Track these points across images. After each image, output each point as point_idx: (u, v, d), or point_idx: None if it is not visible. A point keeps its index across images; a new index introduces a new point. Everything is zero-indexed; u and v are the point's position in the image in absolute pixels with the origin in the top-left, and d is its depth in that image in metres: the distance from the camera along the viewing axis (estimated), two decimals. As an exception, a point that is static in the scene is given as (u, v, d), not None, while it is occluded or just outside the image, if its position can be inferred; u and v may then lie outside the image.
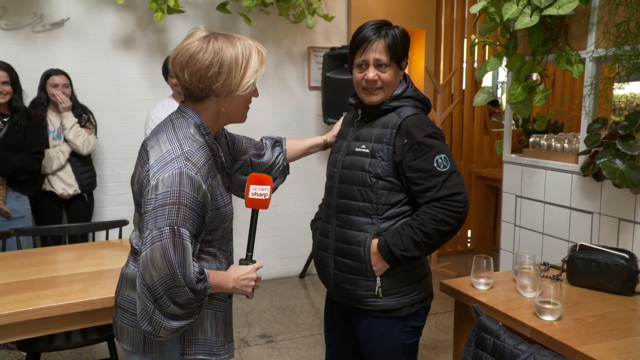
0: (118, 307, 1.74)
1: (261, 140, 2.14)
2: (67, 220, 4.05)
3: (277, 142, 2.17)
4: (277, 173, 2.14)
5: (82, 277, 2.43)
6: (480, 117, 5.98)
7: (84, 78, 4.21)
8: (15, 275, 2.42)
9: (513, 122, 3.46)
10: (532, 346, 1.49)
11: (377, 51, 1.94)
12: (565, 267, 2.31)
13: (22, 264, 2.60)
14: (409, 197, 1.98)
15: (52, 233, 3.18)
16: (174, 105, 3.91)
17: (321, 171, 4.89)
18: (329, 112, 4.61)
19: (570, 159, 2.99)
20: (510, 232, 3.40)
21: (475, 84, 5.87)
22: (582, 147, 2.82)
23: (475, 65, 5.91)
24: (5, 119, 3.57)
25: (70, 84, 3.91)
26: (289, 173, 2.19)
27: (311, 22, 4.46)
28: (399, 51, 1.96)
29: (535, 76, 3.28)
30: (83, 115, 3.96)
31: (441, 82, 5.57)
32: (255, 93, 1.69)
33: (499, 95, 7.16)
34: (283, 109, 4.92)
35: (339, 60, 4.58)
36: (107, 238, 3.25)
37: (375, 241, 1.96)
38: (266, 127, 4.79)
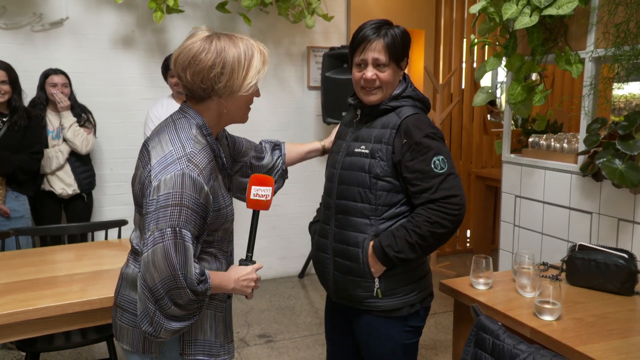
0: (118, 307, 1.74)
1: (260, 143, 2.14)
2: (66, 220, 4.05)
3: (276, 146, 2.17)
4: (277, 177, 2.14)
5: (81, 277, 2.43)
6: (480, 117, 5.99)
7: (83, 78, 4.21)
8: (14, 275, 2.42)
9: (512, 122, 3.46)
10: (532, 346, 1.49)
11: (375, 51, 1.94)
12: (564, 267, 2.31)
13: (21, 263, 2.60)
14: (408, 197, 1.98)
15: (51, 233, 3.18)
16: (173, 105, 3.91)
17: (320, 171, 4.89)
18: (328, 112, 4.61)
19: (569, 159, 2.99)
20: (509, 232, 3.40)
21: (475, 84, 5.87)
22: (582, 147, 2.82)
23: (475, 65, 5.91)
24: (4, 119, 3.57)
25: (69, 84, 3.90)
26: (287, 177, 2.18)
27: (310, 21, 4.46)
28: (398, 51, 1.95)
29: (534, 76, 3.27)
30: (82, 115, 3.96)
31: (440, 82, 5.57)
32: (257, 93, 1.69)
33: (498, 95, 7.16)
34: (282, 108, 4.92)
35: (339, 60, 4.58)
36: (106, 238, 3.26)
37: (372, 242, 1.96)
38: (265, 127, 4.79)
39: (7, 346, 3.58)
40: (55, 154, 3.83)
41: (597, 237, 2.81)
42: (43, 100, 3.87)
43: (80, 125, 3.91)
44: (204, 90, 1.61)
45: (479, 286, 2.19)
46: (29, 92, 3.84)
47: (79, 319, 2.18)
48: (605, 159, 2.57)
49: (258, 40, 1.69)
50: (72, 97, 3.92)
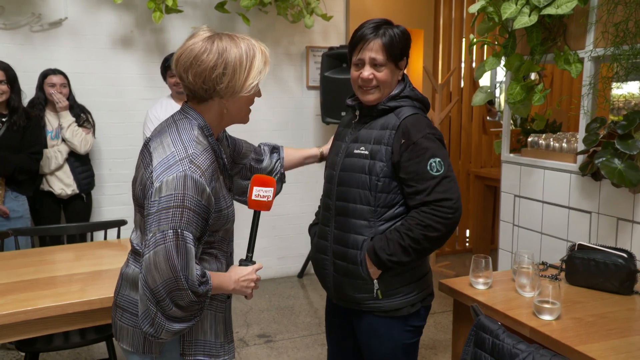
0: (118, 307, 1.73)
1: (259, 146, 2.14)
2: (65, 220, 4.05)
3: (275, 149, 2.16)
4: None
5: (80, 277, 2.42)
6: (479, 117, 5.99)
7: (82, 78, 4.21)
8: (13, 276, 2.42)
9: (511, 121, 3.46)
10: (531, 345, 1.49)
11: (373, 50, 1.94)
12: (563, 266, 2.31)
13: (20, 264, 2.60)
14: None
15: (51, 233, 3.17)
16: (172, 105, 3.91)
17: (320, 171, 4.88)
18: (327, 112, 4.61)
19: (568, 158, 2.99)
20: (508, 231, 3.40)
21: (474, 83, 5.87)
22: (581, 146, 2.82)
23: (474, 64, 5.91)
24: (3, 119, 3.57)
25: (68, 84, 3.90)
26: (285, 181, 2.18)
27: (309, 21, 4.46)
28: (396, 51, 1.95)
29: (533, 76, 3.27)
30: (81, 115, 3.96)
31: (440, 81, 5.57)
32: (258, 93, 1.69)
33: (497, 94, 7.16)
34: (281, 108, 4.92)
35: (338, 60, 4.58)
36: (105, 238, 3.25)
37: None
38: (264, 127, 4.79)
39: (6, 346, 3.57)
40: (54, 154, 3.83)
41: (596, 236, 2.81)
42: (42, 100, 3.86)
43: (79, 125, 3.90)
44: (205, 91, 1.61)
45: (479, 286, 2.19)
46: (28, 92, 3.84)
47: (78, 319, 2.18)
48: (604, 159, 2.57)
49: (257, 40, 1.69)
50: (70, 97, 3.92)
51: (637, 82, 3.51)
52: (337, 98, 4.44)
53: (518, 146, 3.54)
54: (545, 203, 3.11)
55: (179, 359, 1.69)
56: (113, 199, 4.44)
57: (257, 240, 1.84)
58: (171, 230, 1.48)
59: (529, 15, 2.83)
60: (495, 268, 3.29)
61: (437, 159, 1.90)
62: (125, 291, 1.71)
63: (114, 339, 2.70)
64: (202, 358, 1.70)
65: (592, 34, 2.79)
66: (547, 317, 1.90)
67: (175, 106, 3.88)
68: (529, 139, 3.32)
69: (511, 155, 3.39)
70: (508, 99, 3.13)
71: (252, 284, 1.74)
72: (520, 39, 3.10)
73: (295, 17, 4.53)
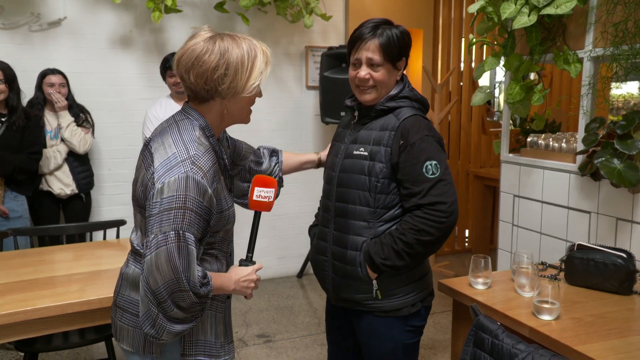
0: (117, 308, 1.73)
1: (258, 148, 2.14)
2: (64, 220, 4.05)
3: (274, 152, 2.16)
4: None
5: (79, 277, 2.42)
6: (478, 117, 5.99)
7: (81, 77, 4.21)
8: (12, 276, 2.41)
9: (511, 121, 3.46)
10: (530, 345, 1.49)
11: (370, 50, 1.93)
12: (563, 266, 2.31)
13: (19, 264, 2.60)
14: None
15: (50, 233, 3.17)
16: (172, 104, 3.91)
17: (319, 171, 4.88)
18: (327, 112, 4.61)
19: (567, 158, 2.99)
20: (508, 231, 3.40)
21: (473, 83, 5.87)
22: (580, 146, 2.82)
23: (473, 64, 5.91)
24: (3, 119, 3.56)
25: (66, 83, 3.90)
26: (283, 185, 2.18)
27: (309, 21, 4.46)
28: (393, 51, 1.94)
29: (532, 76, 3.27)
30: (80, 115, 3.96)
31: (439, 81, 5.57)
32: (259, 94, 1.69)
33: (496, 94, 7.16)
34: (280, 108, 4.92)
35: (337, 60, 4.58)
36: (104, 238, 3.25)
37: None
38: (264, 127, 4.79)
39: (5, 346, 3.57)
40: (54, 154, 3.83)
41: (595, 236, 2.81)
42: (41, 100, 3.86)
43: (78, 125, 3.90)
44: (207, 92, 1.60)
45: (478, 286, 2.20)
46: (27, 92, 3.84)
47: (78, 319, 2.18)
48: (603, 159, 2.58)
49: (259, 40, 1.69)
50: (70, 97, 3.92)
51: (636, 82, 3.51)
52: (337, 98, 4.44)
53: (517, 146, 3.55)
54: (544, 203, 3.11)
55: (179, 359, 1.69)
56: (112, 199, 4.44)
57: (257, 241, 1.84)
58: (173, 232, 1.48)
59: (529, 15, 2.83)
60: (494, 268, 3.30)
61: (433, 162, 1.89)
62: (126, 291, 1.71)
63: (113, 339, 2.71)
64: (202, 358, 1.70)
65: (592, 34, 2.79)
66: (546, 317, 1.90)
67: (175, 106, 3.88)
68: (528, 139, 3.32)
69: (510, 155, 3.39)
70: (507, 99, 3.13)
71: (253, 284, 1.74)
72: (520, 38, 3.10)
73: (295, 17, 4.53)
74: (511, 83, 3.10)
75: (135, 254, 1.71)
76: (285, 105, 4.94)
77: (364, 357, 2.14)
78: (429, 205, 1.87)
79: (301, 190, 5.02)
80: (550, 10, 2.75)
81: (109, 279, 2.38)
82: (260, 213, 1.83)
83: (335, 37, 5.04)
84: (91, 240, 3.34)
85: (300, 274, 5.15)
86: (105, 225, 3.22)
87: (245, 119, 1.74)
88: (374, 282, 1.96)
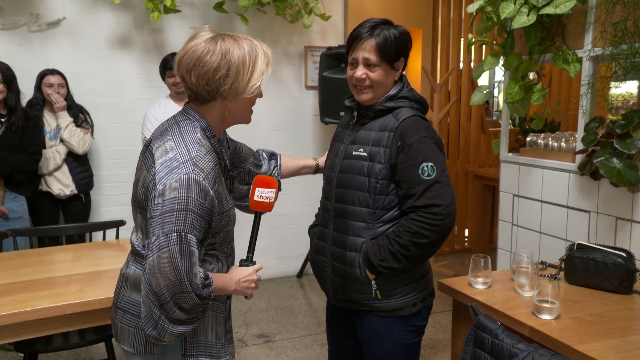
0: (118, 309, 1.73)
1: (257, 151, 2.13)
2: (64, 220, 4.04)
3: (273, 156, 2.16)
4: None
5: (79, 278, 2.42)
6: (477, 117, 5.99)
7: (81, 78, 4.20)
8: (12, 276, 2.41)
9: (510, 121, 3.46)
10: (530, 345, 1.49)
11: (366, 50, 1.93)
12: (562, 266, 2.31)
13: (19, 264, 2.59)
14: None
15: (49, 234, 3.17)
16: (171, 105, 3.91)
17: (318, 171, 4.89)
18: (326, 112, 4.61)
19: (567, 157, 2.99)
20: (507, 231, 3.40)
21: (472, 83, 5.87)
22: (580, 146, 2.83)
23: (472, 64, 5.91)
24: (2, 119, 3.56)
25: (65, 84, 3.90)
26: (281, 189, 2.18)
27: (308, 21, 4.46)
28: (390, 52, 1.93)
29: (532, 75, 3.27)
30: (80, 115, 3.96)
31: (438, 81, 5.57)
32: (260, 94, 1.69)
33: (495, 94, 7.17)
34: (280, 108, 4.92)
35: (336, 60, 4.58)
36: (104, 238, 3.25)
37: None
38: (263, 127, 4.79)
39: (5, 347, 3.57)
40: (53, 154, 3.82)
41: (595, 236, 2.82)
42: (40, 100, 3.86)
43: (78, 126, 3.90)
44: (208, 93, 1.60)
45: (478, 285, 2.19)
46: (26, 92, 3.83)
47: (77, 319, 2.18)
48: (603, 158, 2.58)
49: (259, 40, 1.68)
50: (69, 97, 3.92)
51: (635, 81, 3.51)
52: (336, 98, 4.44)
53: (517, 146, 3.55)
54: (544, 202, 3.11)
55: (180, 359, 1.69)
56: (112, 200, 4.44)
57: (257, 241, 1.84)
58: (175, 234, 1.48)
59: (528, 15, 2.83)
60: (494, 268, 3.29)
61: (429, 164, 1.88)
62: (126, 292, 1.71)
63: (113, 339, 2.71)
64: (203, 359, 1.70)
65: (591, 33, 2.79)
66: (546, 317, 1.90)
67: (174, 106, 3.88)
68: (528, 139, 3.32)
69: (510, 154, 3.39)
70: (507, 99, 3.13)
71: (253, 285, 1.75)
72: (519, 38, 3.10)
73: (294, 17, 4.53)
74: (510, 83, 3.10)
75: (136, 255, 1.71)
76: (285, 105, 4.94)
77: (365, 357, 2.14)
78: (423, 208, 1.86)
79: (301, 190, 5.02)
80: (549, 10, 2.75)
81: (108, 279, 2.38)
82: (260, 213, 1.83)
83: (334, 37, 5.04)
84: (90, 240, 3.34)
85: (300, 274, 5.15)
86: (104, 226, 3.22)
87: (246, 119, 1.74)
88: (373, 282, 1.96)
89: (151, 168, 1.58)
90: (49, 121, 3.87)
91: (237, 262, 1.80)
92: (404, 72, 2.05)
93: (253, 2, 4.16)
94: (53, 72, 3.85)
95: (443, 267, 5.30)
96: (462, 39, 5.82)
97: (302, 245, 5.08)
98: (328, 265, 2.06)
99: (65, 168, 3.91)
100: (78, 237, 3.32)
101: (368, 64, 1.94)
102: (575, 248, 2.28)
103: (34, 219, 3.93)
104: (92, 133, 4.02)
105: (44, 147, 3.79)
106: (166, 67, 3.90)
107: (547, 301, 1.91)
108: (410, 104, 2.00)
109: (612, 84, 2.75)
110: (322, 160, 2.25)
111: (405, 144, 1.89)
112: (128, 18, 4.33)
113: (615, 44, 2.60)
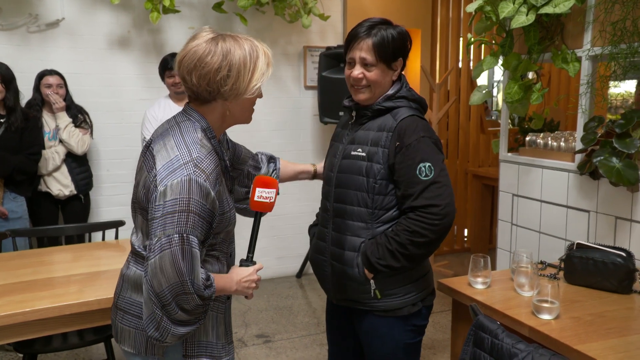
0: (118, 310, 1.72)
1: (257, 154, 2.13)
2: (63, 221, 4.04)
3: (272, 159, 2.16)
4: None
5: (78, 278, 2.42)
6: (477, 116, 5.99)
7: (79, 78, 4.20)
8: (11, 277, 2.41)
9: (509, 120, 3.46)
10: (530, 345, 1.49)
11: (363, 50, 1.92)
12: (562, 265, 2.31)
13: (18, 265, 2.59)
14: None
15: (49, 234, 3.16)
16: (170, 105, 3.91)
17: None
18: (325, 112, 4.61)
19: (566, 157, 2.99)
20: (507, 230, 3.40)
21: (471, 83, 5.87)
22: (579, 145, 2.83)
23: (471, 64, 5.91)
24: (2, 120, 3.56)
25: (64, 84, 3.89)
26: (279, 193, 2.18)
27: (307, 21, 4.45)
28: (387, 52, 1.92)
29: (531, 75, 3.27)
30: (79, 116, 3.95)
31: (437, 81, 5.57)
32: (260, 95, 1.69)
33: (495, 94, 7.18)
34: (279, 108, 4.91)
35: (335, 60, 4.58)
36: (103, 239, 3.25)
37: None
38: (262, 127, 4.79)
39: (4, 348, 3.57)
40: (52, 155, 3.82)
41: (594, 235, 2.82)
42: (39, 101, 3.86)
43: (77, 126, 3.90)
44: (209, 93, 1.60)
45: (477, 285, 2.19)
46: (25, 93, 3.83)
47: (77, 320, 2.18)
48: (602, 157, 2.58)
49: (260, 41, 1.68)
50: (68, 97, 3.91)
51: (634, 80, 3.51)
52: (335, 98, 4.43)
53: (516, 145, 3.55)
54: (543, 202, 3.11)
55: (181, 360, 1.69)
56: (111, 200, 4.44)
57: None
58: (177, 235, 1.48)
59: (527, 15, 2.83)
60: (493, 267, 3.29)
61: (427, 164, 1.88)
62: (127, 293, 1.71)
63: (112, 340, 2.71)
64: (204, 359, 1.70)
65: (590, 32, 2.79)
66: (546, 317, 1.90)
67: (174, 106, 3.88)
68: (527, 138, 3.32)
69: (509, 154, 3.39)
70: (506, 98, 3.13)
71: (254, 285, 1.75)
72: (518, 38, 3.10)
73: (293, 17, 4.53)
74: (510, 82, 3.10)
75: (136, 256, 1.71)
76: (284, 105, 4.94)
77: (365, 357, 2.14)
78: (421, 208, 1.86)
79: (300, 190, 5.02)
80: (548, 9, 2.75)
81: (107, 279, 2.37)
82: (260, 214, 1.83)
83: (333, 37, 5.03)
84: (90, 241, 3.34)
85: (300, 274, 5.15)
86: (104, 226, 3.21)
87: (246, 119, 1.74)
88: (371, 281, 1.96)
89: (152, 169, 1.58)
90: (48, 122, 3.87)
91: (237, 262, 1.80)
92: (402, 72, 2.05)
93: (252, 2, 4.16)
94: (52, 72, 3.85)
95: (442, 267, 5.30)
96: (461, 39, 5.82)
97: (302, 245, 5.08)
98: (328, 265, 2.06)
99: (64, 168, 3.90)
100: (77, 238, 3.31)
101: (365, 64, 1.94)
102: (574, 248, 2.28)
103: (33, 220, 3.93)
104: (91, 133, 4.02)
105: (44, 148, 3.79)
106: (165, 67, 3.90)
107: (546, 301, 1.91)
108: (409, 104, 1.99)
109: (611, 83, 2.75)
110: (320, 167, 2.25)
111: (403, 144, 1.89)
112: (127, 18, 4.33)
113: (614, 44, 2.61)
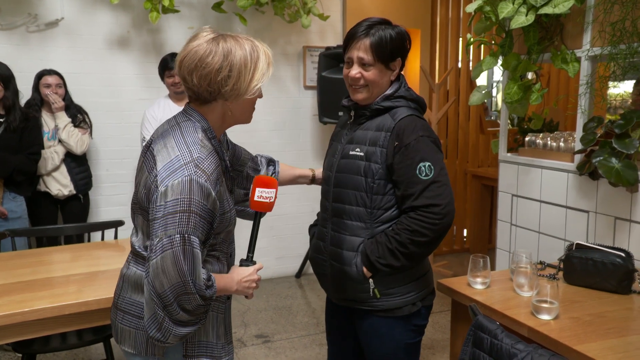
0: (118, 310, 1.72)
1: (256, 156, 2.13)
2: (62, 221, 4.04)
3: (271, 162, 2.16)
4: None
5: (77, 278, 2.42)
6: (476, 116, 5.99)
7: (79, 78, 4.20)
8: (10, 277, 2.41)
9: (509, 121, 3.46)
10: (530, 345, 1.49)
11: (361, 49, 1.92)
12: (561, 266, 2.31)
13: (17, 265, 2.59)
14: None
15: (48, 234, 3.16)
16: (170, 105, 3.91)
17: (318, 171, 4.88)
18: (325, 112, 4.61)
19: (566, 157, 2.99)
20: (506, 231, 3.40)
21: (471, 83, 5.87)
22: (578, 145, 2.83)
23: (471, 64, 5.91)
24: (1, 119, 3.56)
25: (63, 84, 3.89)
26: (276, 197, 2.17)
27: (306, 21, 4.45)
28: (385, 52, 1.92)
29: (530, 75, 3.28)
30: (78, 116, 3.95)
31: (437, 81, 5.57)
32: (260, 95, 1.68)
33: (494, 94, 7.17)
34: (279, 108, 4.91)
35: (335, 60, 4.58)
36: (102, 239, 3.24)
37: None
38: (261, 127, 4.79)
39: (3, 348, 3.56)
40: (51, 154, 3.82)
41: (594, 235, 2.82)
42: (38, 101, 3.85)
43: (76, 126, 3.89)
44: (210, 93, 1.59)
45: (477, 285, 2.19)
46: (24, 93, 3.83)
47: (76, 320, 2.18)
48: (601, 158, 2.58)
49: (260, 41, 1.68)
50: (67, 97, 3.91)
51: (633, 81, 3.52)
52: (334, 98, 4.43)
53: (515, 145, 3.55)
54: (542, 202, 3.12)
55: (181, 360, 1.69)
56: (110, 200, 4.43)
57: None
58: (178, 235, 1.48)
59: (526, 15, 2.83)
60: (493, 268, 3.30)
61: (427, 163, 1.88)
62: (127, 293, 1.70)
63: (112, 340, 2.71)
64: (204, 359, 1.70)
65: (589, 33, 2.79)
66: (545, 317, 1.90)
67: (173, 106, 3.88)
68: (526, 139, 3.33)
69: (508, 154, 3.39)
70: (505, 99, 3.13)
71: (254, 284, 1.75)
72: (517, 38, 3.10)
73: (292, 17, 4.53)
74: (509, 82, 3.10)
75: (136, 256, 1.70)
76: (283, 105, 4.94)
77: (366, 357, 2.14)
78: (422, 208, 1.86)
79: (300, 190, 5.01)
80: (547, 10, 2.75)
81: (107, 279, 2.37)
82: (260, 214, 1.83)
83: (332, 37, 5.03)
84: (89, 241, 3.34)
85: (299, 274, 5.15)
86: (103, 226, 3.21)
87: (247, 119, 1.74)
88: (370, 281, 1.96)
89: (152, 169, 1.58)
90: (47, 121, 3.86)
91: (237, 262, 1.79)
92: (402, 72, 2.05)
93: (251, 2, 4.16)
94: (51, 72, 3.85)
95: (442, 267, 5.30)
96: (461, 39, 5.82)
97: (301, 245, 5.07)
98: (327, 264, 2.06)
99: (63, 168, 3.90)
100: (76, 238, 3.31)
101: (363, 63, 1.94)
102: (574, 248, 2.28)
103: (33, 219, 3.93)
104: (90, 133, 4.02)
105: (43, 148, 3.78)
106: (165, 67, 3.90)
107: (546, 301, 1.91)
108: (408, 104, 1.99)
109: (611, 83, 2.75)
110: (318, 172, 2.25)
111: (402, 144, 1.89)
112: (126, 18, 4.33)
113: (613, 44, 2.61)
